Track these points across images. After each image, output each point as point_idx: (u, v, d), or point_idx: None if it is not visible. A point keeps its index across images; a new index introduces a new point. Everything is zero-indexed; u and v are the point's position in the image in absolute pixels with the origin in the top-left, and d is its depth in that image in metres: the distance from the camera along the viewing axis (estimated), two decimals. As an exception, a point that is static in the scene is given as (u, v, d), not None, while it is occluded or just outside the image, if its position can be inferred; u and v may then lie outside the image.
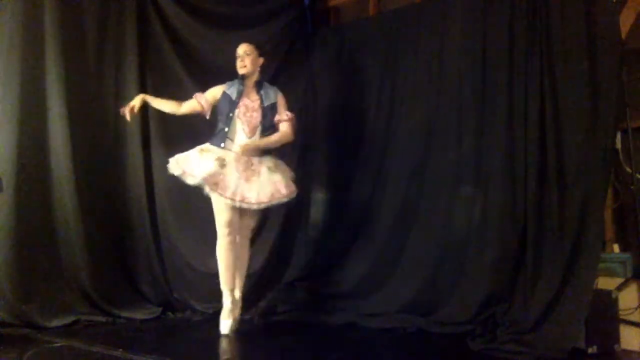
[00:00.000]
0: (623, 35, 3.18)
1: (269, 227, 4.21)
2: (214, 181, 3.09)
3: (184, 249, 3.92)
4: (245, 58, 3.38)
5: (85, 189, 3.58)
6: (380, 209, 3.90)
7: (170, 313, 3.76)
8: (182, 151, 3.37)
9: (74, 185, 3.51)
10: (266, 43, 4.33)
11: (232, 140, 3.28)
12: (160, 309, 3.73)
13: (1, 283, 3.22)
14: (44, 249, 3.45)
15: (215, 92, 3.41)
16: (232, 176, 3.14)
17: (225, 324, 3.21)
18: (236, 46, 4.15)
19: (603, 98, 3.03)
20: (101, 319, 3.44)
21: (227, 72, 3.90)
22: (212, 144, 3.28)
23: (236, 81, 3.43)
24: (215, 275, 3.41)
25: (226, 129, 3.28)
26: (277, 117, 3.40)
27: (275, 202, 3.24)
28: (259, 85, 3.44)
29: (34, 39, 3.47)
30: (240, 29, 4.29)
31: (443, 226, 3.57)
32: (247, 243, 3.43)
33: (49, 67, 3.51)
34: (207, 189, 3.11)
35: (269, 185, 3.22)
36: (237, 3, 4.36)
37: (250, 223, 3.42)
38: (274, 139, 3.36)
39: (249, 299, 3.94)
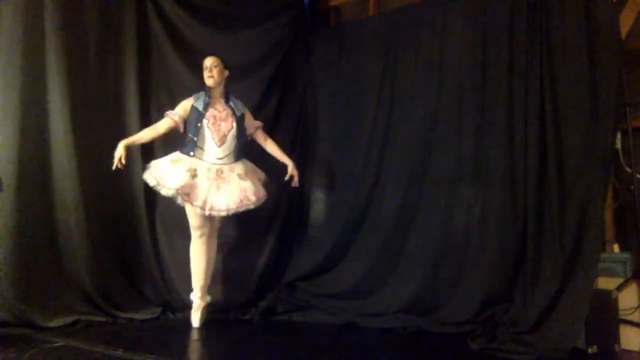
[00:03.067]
0: (623, 35, 3.19)
1: (269, 227, 4.21)
2: (186, 192, 3.31)
3: (182, 250, 3.92)
4: (213, 69, 3.54)
5: (86, 189, 3.58)
6: (380, 209, 3.90)
7: (170, 313, 3.76)
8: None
9: (75, 186, 3.52)
10: (266, 42, 4.35)
11: (202, 149, 3.47)
12: (160, 309, 3.73)
13: (1, 283, 3.23)
14: (44, 249, 3.45)
15: (185, 106, 3.55)
16: (203, 186, 3.35)
17: (196, 318, 3.45)
18: (236, 46, 4.18)
19: (603, 98, 3.03)
20: (101, 319, 3.44)
21: (227, 72, 3.91)
22: (182, 152, 3.47)
23: (202, 93, 3.58)
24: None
25: (195, 139, 3.46)
26: (254, 127, 3.73)
27: (243, 208, 3.44)
28: (226, 97, 3.62)
29: (35, 38, 3.47)
30: (241, 29, 4.30)
31: (443, 226, 3.57)
32: (214, 243, 3.62)
33: (49, 67, 3.51)
34: (179, 200, 3.34)
35: (238, 193, 3.43)
36: (238, 3, 4.36)
37: (217, 225, 3.61)
38: (277, 148, 3.76)
39: (249, 299, 3.95)
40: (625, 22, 3.27)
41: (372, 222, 3.94)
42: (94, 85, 3.75)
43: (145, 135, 3.50)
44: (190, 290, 3.82)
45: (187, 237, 3.84)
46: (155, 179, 3.33)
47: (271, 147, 3.75)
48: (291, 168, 3.66)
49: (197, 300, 3.49)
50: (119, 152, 3.32)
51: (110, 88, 3.83)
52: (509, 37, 3.42)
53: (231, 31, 4.27)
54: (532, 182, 3.21)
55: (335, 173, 4.25)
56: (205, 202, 3.32)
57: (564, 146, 3.14)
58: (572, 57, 3.16)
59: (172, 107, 4.00)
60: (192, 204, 3.31)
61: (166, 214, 3.92)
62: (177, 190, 3.28)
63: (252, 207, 3.48)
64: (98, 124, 3.76)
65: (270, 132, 3.93)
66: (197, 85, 3.99)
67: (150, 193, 3.84)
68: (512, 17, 3.43)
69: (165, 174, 3.33)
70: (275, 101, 4.36)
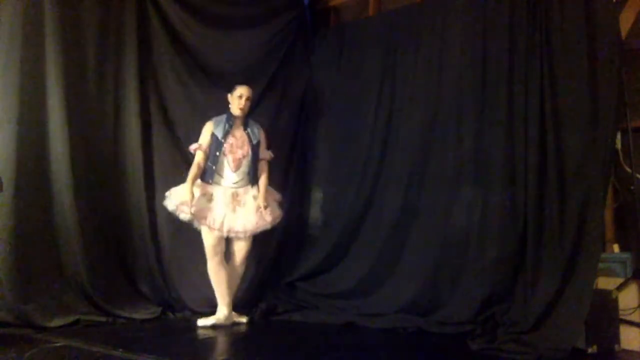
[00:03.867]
0: (623, 35, 3.18)
1: (270, 227, 4.20)
2: (203, 215, 3.41)
3: (183, 250, 3.92)
4: (247, 102, 3.59)
5: (85, 189, 3.58)
6: (381, 209, 3.90)
7: (170, 313, 3.76)
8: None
9: (74, 186, 3.51)
10: (266, 43, 4.36)
11: (219, 175, 3.55)
12: (160, 309, 3.73)
13: (1, 283, 3.22)
14: (43, 249, 3.44)
15: (207, 135, 3.60)
16: (219, 209, 3.45)
17: (204, 321, 3.44)
18: (236, 46, 4.18)
19: (603, 98, 3.04)
20: (101, 319, 3.44)
21: (227, 73, 3.91)
22: (202, 181, 3.55)
23: (223, 118, 3.62)
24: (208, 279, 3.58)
25: (214, 167, 3.54)
26: (261, 155, 3.69)
27: (260, 229, 3.54)
28: (245, 124, 3.64)
29: (34, 39, 3.46)
30: (241, 29, 4.30)
31: (443, 226, 3.57)
32: (242, 268, 3.65)
33: (48, 68, 3.50)
34: (196, 224, 3.45)
35: (253, 214, 3.51)
36: (238, 3, 4.37)
37: (244, 246, 3.59)
38: (264, 183, 3.65)
39: (249, 299, 3.95)
40: (625, 22, 3.27)
41: (372, 222, 3.94)
42: (93, 86, 3.74)
43: (196, 173, 3.52)
44: (191, 291, 3.85)
45: (187, 236, 3.85)
46: (174, 203, 3.43)
47: (261, 179, 3.67)
48: (260, 200, 3.54)
49: (221, 316, 3.48)
50: (191, 197, 3.37)
51: (110, 88, 3.82)
52: (509, 37, 3.42)
53: (231, 32, 4.27)
54: (532, 182, 3.21)
55: (335, 173, 4.25)
56: (222, 225, 3.42)
57: (564, 146, 3.14)
58: (572, 57, 3.16)
59: (172, 108, 4.03)
60: (209, 227, 3.40)
61: (167, 215, 3.90)
62: (193, 214, 3.38)
63: (268, 227, 3.56)
64: (97, 124, 3.76)
65: (270, 131, 3.95)
66: (197, 87, 4.01)
67: (151, 193, 3.85)
68: (512, 17, 3.43)
69: (183, 200, 3.41)
70: (276, 101, 4.36)
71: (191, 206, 3.36)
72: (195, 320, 3.50)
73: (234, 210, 3.47)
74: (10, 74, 3.37)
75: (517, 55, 3.37)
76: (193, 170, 3.50)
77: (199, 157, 3.56)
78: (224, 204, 3.47)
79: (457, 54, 3.68)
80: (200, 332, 3.34)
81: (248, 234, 3.51)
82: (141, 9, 3.94)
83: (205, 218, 3.41)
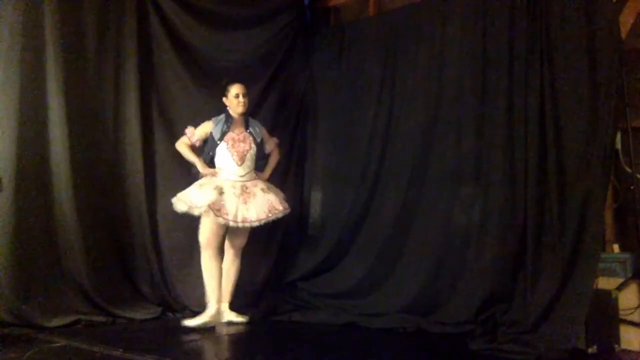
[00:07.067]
0: (623, 35, 3.18)
1: (270, 228, 4.20)
2: (217, 207, 3.43)
3: (182, 250, 3.92)
4: (244, 99, 3.66)
5: (85, 190, 3.59)
6: (381, 209, 3.90)
7: (170, 313, 3.76)
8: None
9: (74, 186, 3.52)
10: (266, 43, 4.36)
11: (225, 169, 3.62)
12: (160, 309, 3.74)
13: (1, 283, 3.23)
14: (43, 249, 3.45)
15: (202, 131, 3.69)
16: (231, 201, 3.50)
17: (193, 321, 3.42)
18: (236, 46, 4.19)
19: (603, 98, 3.03)
20: (101, 319, 3.45)
21: (227, 73, 3.91)
22: (206, 177, 3.63)
23: (222, 117, 3.67)
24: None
25: (207, 162, 3.66)
26: (268, 148, 3.84)
27: (272, 217, 3.61)
28: (246, 122, 3.72)
29: (34, 39, 3.47)
30: (241, 29, 4.31)
31: (443, 226, 3.57)
32: (238, 260, 3.70)
33: (48, 68, 3.50)
34: (211, 216, 3.42)
35: (264, 204, 3.61)
36: (238, 3, 4.37)
37: (242, 242, 3.69)
38: (272, 164, 3.86)
39: (249, 299, 3.95)
40: (625, 22, 3.27)
41: (372, 222, 3.94)
42: (93, 86, 3.74)
43: (187, 150, 3.67)
44: (191, 291, 3.84)
45: (187, 236, 3.85)
46: (185, 204, 3.45)
47: (271, 158, 3.84)
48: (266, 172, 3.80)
49: (211, 311, 3.48)
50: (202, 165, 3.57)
51: (110, 88, 3.82)
52: (509, 37, 3.42)
53: (231, 31, 4.27)
54: (532, 182, 3.21)
55: (335, 173, 4.25)
56: (236, 216, 3.46)
57: (564, 146, 3.14)
58: (572, 57, 3.16)
59: (173, 109, 4.02)
60: (223, 218, 3.42)
61: (167, 214, 3.91)
62: (209, 206, 3.39)
63: (280, 216, 3.63)
64: (97, 124, 3.76)
65: (270, 131, 3.95)
66: (198, 88, 4.01)
67: (151, 193, 3.86)
68: (512, 17, 3.43)
69: (194, 197, 3.46)
70: (275, 101, 4.36)
71: (203, 170, 3.51)
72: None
73: (245, 202, 3.52)
74: (10, 73, 3.37)
75: (517, 55, 3.37)
76: (183, 149, 3.65)
77: (184, 139, 3.66)
78: (235, 195, 3.51)
79: (457, 54, 3.68)
80: (200, 332, 3.34)
81: (262, 222, 3.54)
82: (141, 9, 3.94)
83: (220, 210, 3.42)
